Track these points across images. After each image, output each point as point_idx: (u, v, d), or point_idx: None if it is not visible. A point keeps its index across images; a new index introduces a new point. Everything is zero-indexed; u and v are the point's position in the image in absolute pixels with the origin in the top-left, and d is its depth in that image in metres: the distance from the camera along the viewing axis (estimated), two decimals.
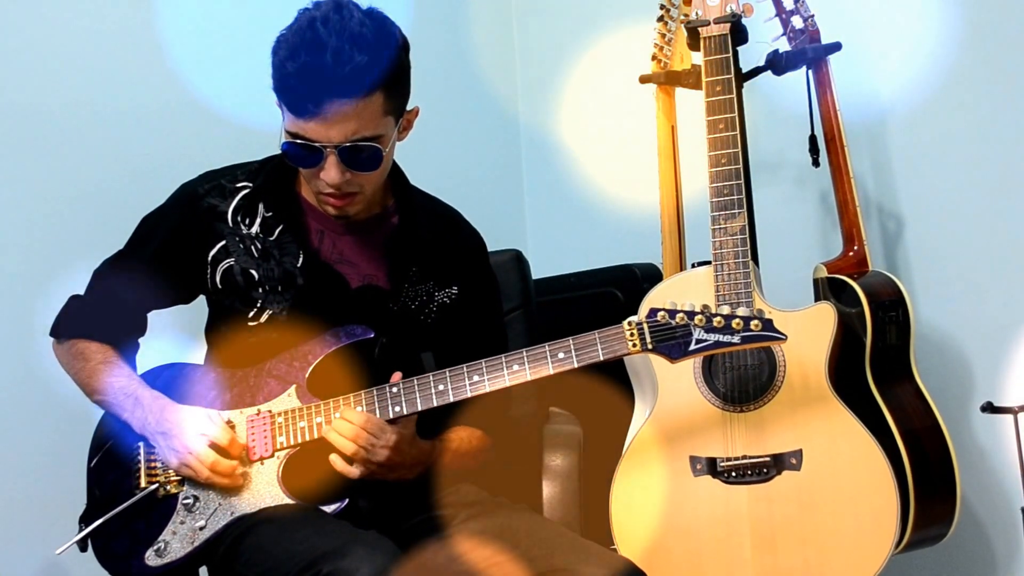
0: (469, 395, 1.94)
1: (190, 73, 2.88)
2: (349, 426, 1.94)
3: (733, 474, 2.25)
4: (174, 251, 2.11)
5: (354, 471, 1.95)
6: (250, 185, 2.12)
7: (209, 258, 2.09)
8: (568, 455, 2.35)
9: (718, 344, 1.91)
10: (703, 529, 2.25)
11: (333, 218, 2.06)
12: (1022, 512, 2.26)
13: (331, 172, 1.96)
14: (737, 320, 1.90)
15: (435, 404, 1.95)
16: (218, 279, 2.09)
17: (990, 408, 2.29)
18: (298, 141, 1.95)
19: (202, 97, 2.88)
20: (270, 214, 2.10)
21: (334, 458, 1.95)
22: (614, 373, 2.43)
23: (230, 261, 2.09)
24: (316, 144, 1.93)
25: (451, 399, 1.94)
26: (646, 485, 2.30)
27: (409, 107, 2.05)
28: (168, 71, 2.84)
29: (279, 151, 2.04)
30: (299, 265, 2.08)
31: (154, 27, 2.83)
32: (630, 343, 1.92)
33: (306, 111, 1.91)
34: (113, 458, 2.08)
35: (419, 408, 1.95)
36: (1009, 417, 2.26)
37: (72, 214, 2.66)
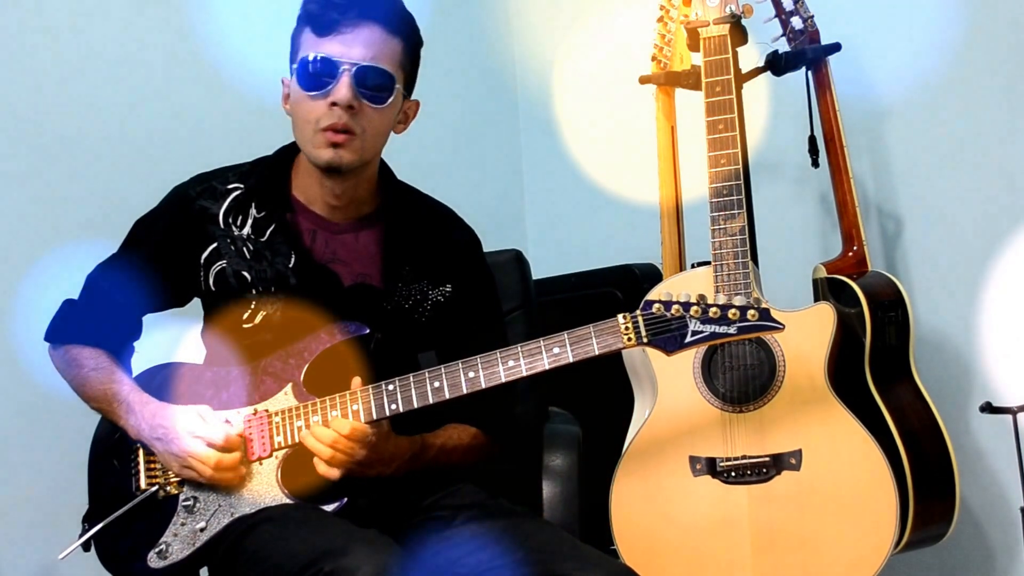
0: (465, 391, 1.93)
1: (188, 73, 2.88)
2: (331, 434, 1.93)
3: (733, 474, 2.25)
4: (167, 254, 2.10)
5: (334, 473, 1.93)
6: (241, 186, 2.11)
7: (201, 261, 2.08)
8: (568, 455, 2.35)
9: (714, 335, 1.87)
10: (702, 529, 2.25)
11: (324, 166, 2.02)
12: (1021, 512, 2.26)
13: (342, 91, 1.95)
14: (733, 310, 1.86)
15: (431, 401, 1.93)
16: (211, 282, 2.08)
17: (989, 408, 2.29)
18: (312, 58, 1.96)
19: (199, 97, 2.89)
20: (261, 215, 2.09)
21: (316, 460, 1.94)
22: (613, 373, 2.43)
23: (222, 263, 2.08)
24: (334, 59, 1.95)
25: (447, 396, 1.93)
26: (646, 485, 2.30)
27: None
28: (166, 71, 2.85)
29: (270, 153, 2.04)
30: (291, 265, 2.06)
31: (145, 25, 2.84)
32: (625, 336, 1.89)
33: (332, 26, 1.94)
34: (113, 460, 2.08)
35: (415, 406, 1.94)
36: (1008, 417, 2.26)
37: (67, 217, 2.66)
